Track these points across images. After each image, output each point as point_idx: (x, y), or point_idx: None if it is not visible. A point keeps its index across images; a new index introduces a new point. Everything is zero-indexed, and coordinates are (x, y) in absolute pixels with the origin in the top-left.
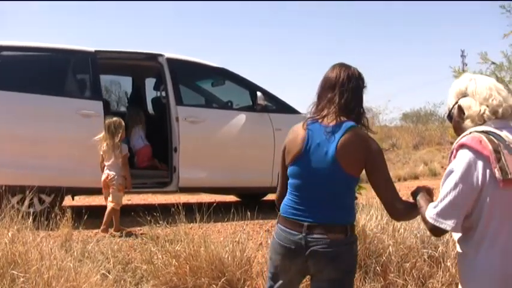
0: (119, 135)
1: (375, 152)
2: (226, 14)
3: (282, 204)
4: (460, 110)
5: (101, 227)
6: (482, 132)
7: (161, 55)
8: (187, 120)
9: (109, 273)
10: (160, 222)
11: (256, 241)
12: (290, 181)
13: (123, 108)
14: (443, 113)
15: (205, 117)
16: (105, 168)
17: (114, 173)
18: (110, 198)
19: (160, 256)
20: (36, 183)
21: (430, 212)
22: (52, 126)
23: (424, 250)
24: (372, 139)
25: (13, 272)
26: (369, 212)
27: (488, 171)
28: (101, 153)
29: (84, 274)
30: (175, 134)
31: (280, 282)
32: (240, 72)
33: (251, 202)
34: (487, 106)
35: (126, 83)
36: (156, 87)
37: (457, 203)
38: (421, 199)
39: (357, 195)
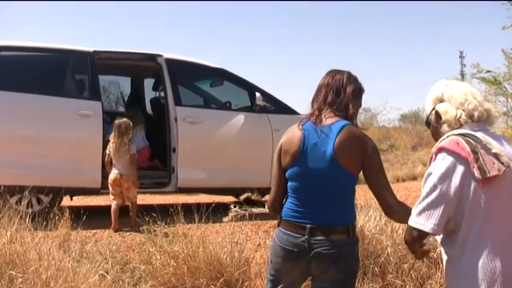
0: (129, 135)
1: (371, 149)
2: (226, 14)
3: (283, 208)
4: (437, 115)
5: (113, 227)
6: (459, 134)
7: (160, 55)
8: (186, 120)
9: (107, 273)
10: (158, 222)
11: (254, 242)
12: (290, 183)
13: (121, 109)
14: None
15: (203, 117)
16: (113, 167)
17: (126, 172)
18: (127, 196)
19: (158, 256)
20: (34, 183)
21: (411, 216)
22: (50, 126)
23: None
24: (367, 136)
25: (11, 272)
26: (368, 213)
27: (467, 171)
28: (107, 151)
29: (83, 274)
30: (174, 135)
31: (281, 285)
32: (239, 73)
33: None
34: (463, 110)
35: (124, 84)
36: (155, 88)
37: (436, 204)
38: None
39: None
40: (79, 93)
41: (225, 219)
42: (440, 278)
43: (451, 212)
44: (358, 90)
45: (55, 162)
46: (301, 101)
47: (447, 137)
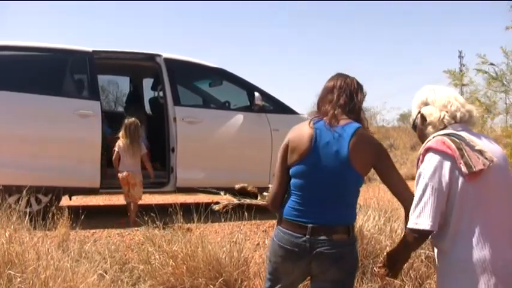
0: (140, 135)
1: (385, 153)
2: (226, 14)
3: (284, 206)
4: (423, 118)
5: (132, 223)
6: (444, 135)
7: (159, 55)
8: (185, 120)
9: (106, 273)
10: (157, 222)
11: (253, 241)
12: (293, 181)
13: (120, 109)
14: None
15: (202, 117)
16: (121, 164)
17: (135, 171)
18: (132, 193)
19: (157, 256)
20: (33, 183)
21: (410, 220)
22: (49, 126)
23: (422, 251)
24: (377, 140)
25: (10, 272)
26: (367, 213)
27: (454, 167)
28: (116, 149)
29: (81, 274)
30: (173, 134)
31: (280, 284)
32: (239, 73)
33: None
34: (447, 112)
35: (123, 83)
36: (154, 88)
37: (431, 203)
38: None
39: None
40: (78, 92)
41: (215, 206)
42: None
43: (444, 206)
44: (364, 98)
45: (54, 161)
46: (301, 101)
47: (433, 137)
